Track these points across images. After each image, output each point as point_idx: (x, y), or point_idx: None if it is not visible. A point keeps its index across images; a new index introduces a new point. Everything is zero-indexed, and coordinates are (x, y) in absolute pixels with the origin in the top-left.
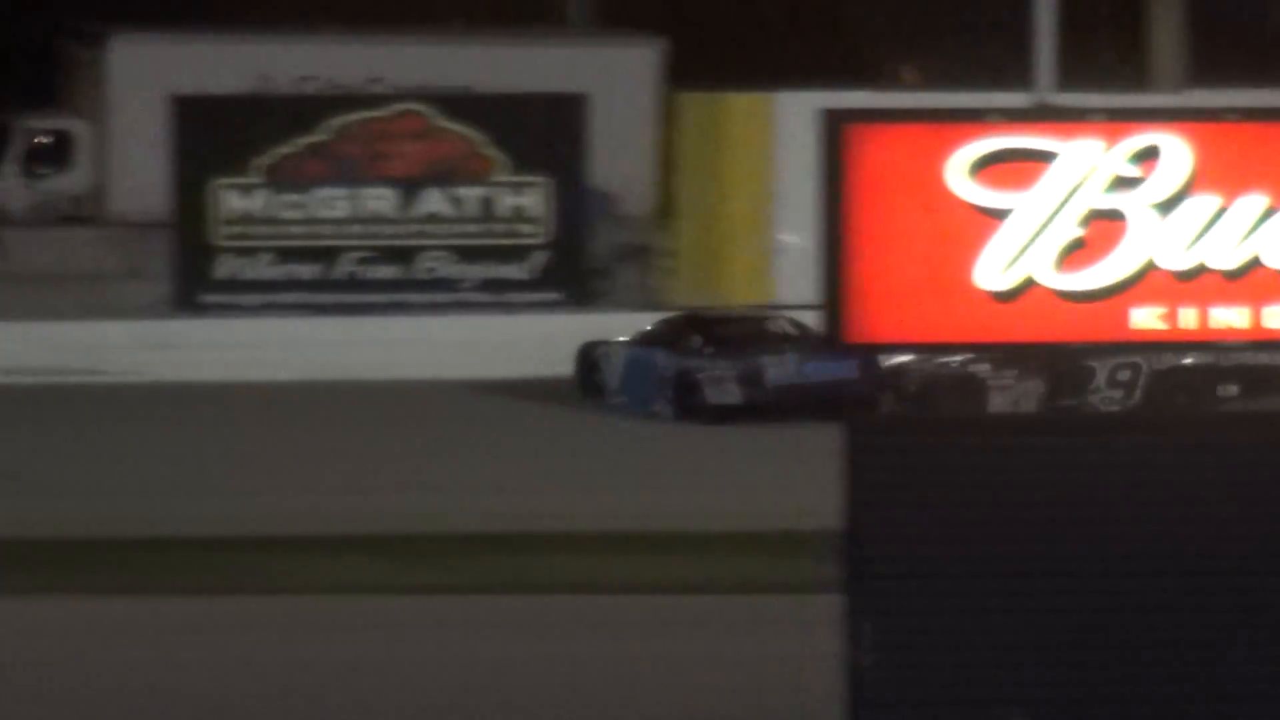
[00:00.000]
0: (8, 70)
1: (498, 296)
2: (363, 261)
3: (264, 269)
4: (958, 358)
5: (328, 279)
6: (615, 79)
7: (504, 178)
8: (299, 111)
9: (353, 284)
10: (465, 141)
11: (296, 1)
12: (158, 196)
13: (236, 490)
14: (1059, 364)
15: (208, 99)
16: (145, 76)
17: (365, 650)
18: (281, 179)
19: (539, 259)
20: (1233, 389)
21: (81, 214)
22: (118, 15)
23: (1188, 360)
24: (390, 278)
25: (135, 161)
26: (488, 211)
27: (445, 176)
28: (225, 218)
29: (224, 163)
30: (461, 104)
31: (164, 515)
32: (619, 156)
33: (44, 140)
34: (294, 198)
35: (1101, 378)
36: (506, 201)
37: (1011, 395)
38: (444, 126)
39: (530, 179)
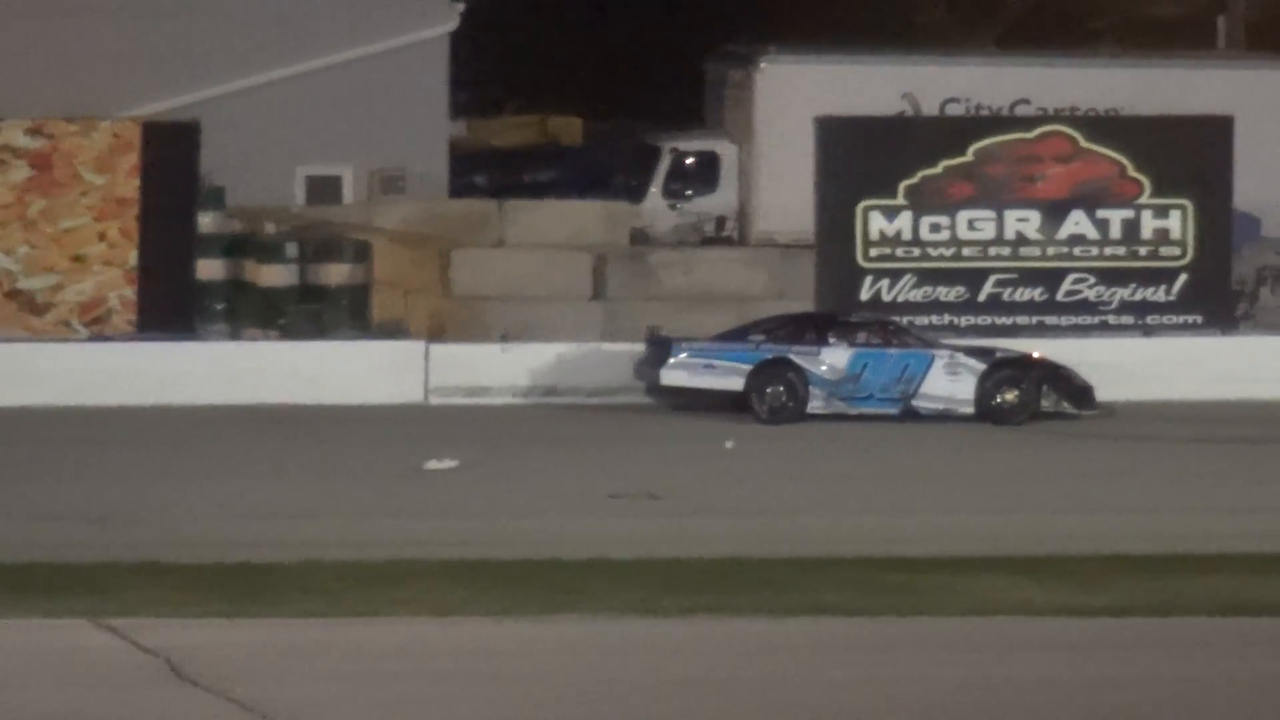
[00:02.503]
0: (656, 91)
1: (1139, 319)
2: (1006, 284)
3: (907, 291)
4: None
5: (971, 301)
6: (1263, 101)
7: (1148, 200)
8: (943, 133)
9: (996, 306)
10: (1113, 164)
11: (945, 22)
12: (803, 218)
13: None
14: None
15: (852, 120)
16: (791, 97)
17: (1026, 670)
18: (925, 201)
19: (1181, 282)
20: None
21: (725, 235)
22: (766, 36)
23: None
24: (1033, 300)
25: (780, 182)
26: (1132, 234)
27: (1091, 199)
28: (870, 239)
29: (868, 184)
30: (1108, 126)
31: (814, 533)
32: (1265, 179)
33: (689, 161)
34: (937, 219)
35: None
36: (1150, 224)
37: None
38: (1091, 149)
39: (1174, 201)
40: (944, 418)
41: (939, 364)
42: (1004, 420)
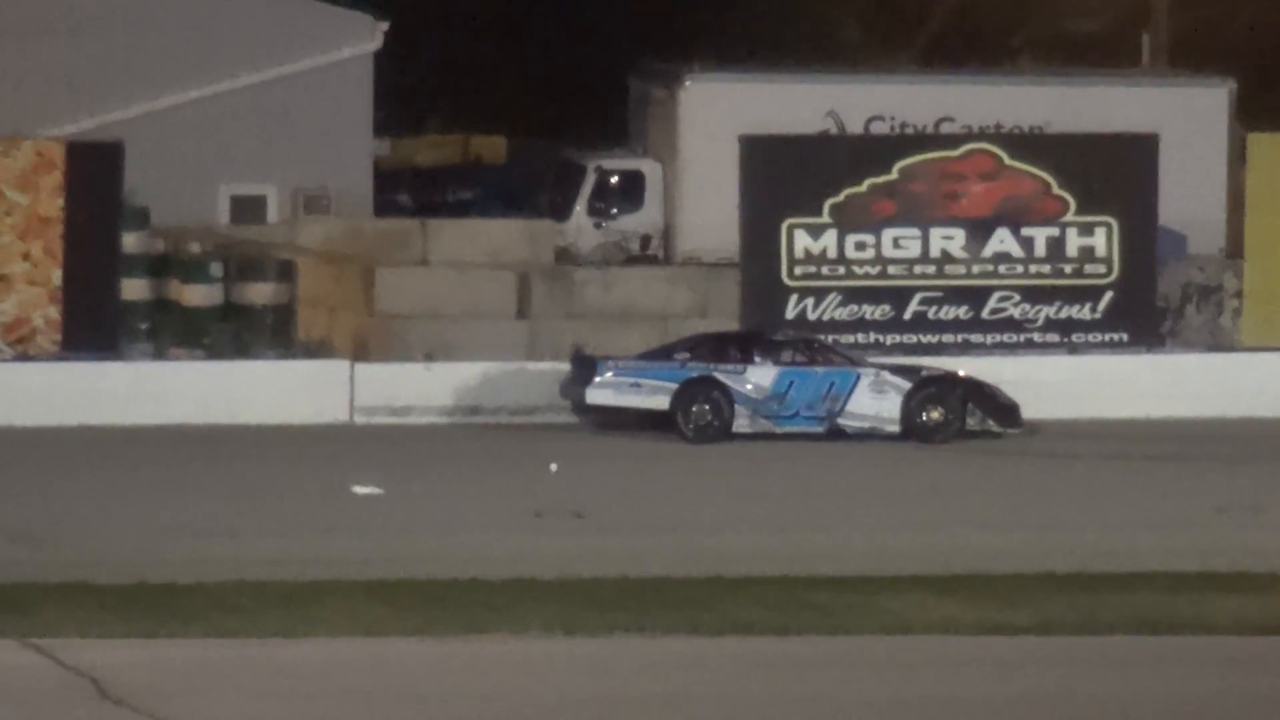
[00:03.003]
0: (580, 110)
1: (1065, 337)
2: (931, 302)
3: (833, 309)
4: None
5: (896, 319)
6: (1187, 118)
7: (1073, 218)
8: (868, 151)
9: (921, 324)
10: (1037, 181)
11: (867, 40)
12: (728, 236)
13: (809, 527)
14: None
15: (776, 139)
16: (715, 115)
17: (933, 689)
18: (850, 219)
19: (1107, 300)
20: None
21: (650, 254)
22: (690, 54)
23: None
24: (958, 318)
25: (704, 201)
26: (1057, 252)
27: (1016, 217)
28: (795, 257)
29: (793, 203)
30: (1032, 144)
31: (736, 552)
32: (1189, 196)
33: (614, 179)
34: (862, 238)
35: None
36: (1075, 242)
37: None
38: (1016, 167)
39: (1099, 219)
40: (869, 436)
41: (864, 382)
42: (929, 438)
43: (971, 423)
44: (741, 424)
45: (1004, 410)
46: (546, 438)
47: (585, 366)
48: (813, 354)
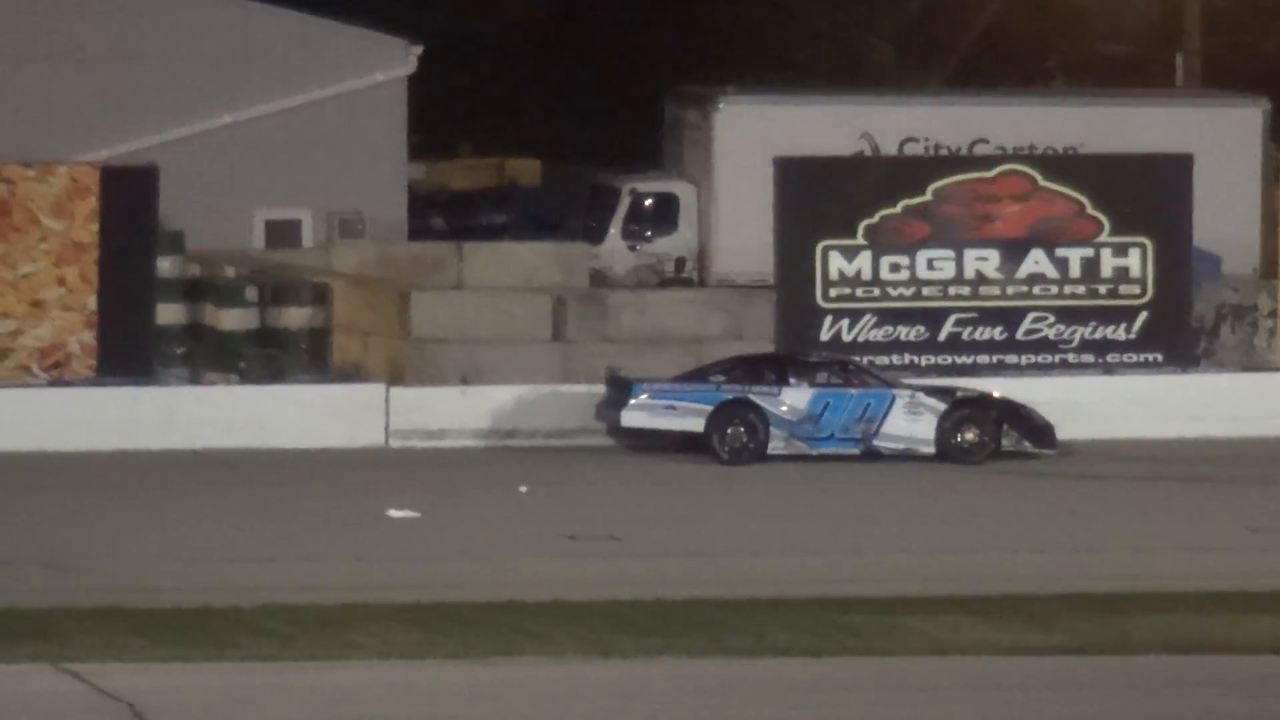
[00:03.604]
0: (614, 133)
1: (1100, 358)
2: (966, 323)
3: (868, 331)
4: None
5: (931, 340)
6: (1220, 139)
7: (1107, 238)
8: (902, 173)
9: (956, 345)
10: (1071, 202)
11: (898, 63)
12: (762, 258)
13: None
14: None
15: (810, 161)
16: (749, 138)
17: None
18: (884, 241)
19: (1141, 320)
20: None
21: (684, 276)
22: (723, 77)
23: None
24: (993, 339)
25: (739, 223)
26: (1091, 273)
27: (1051, 238)
28: (830, 279)
29: (828, 225)
30: (1066, 165)
31: (770, 574)
32: (1223, 217)
33: (648, 202)
34: (897, 259)
35: None
36: (1110, 262)
37: None
38: (1050, 188)
39: (1133, 239)
40: (905, 457)
41: (900, 404)
42: (964, 460)
43: (1007, 444)
44: (776, 446)
45: (1039, 431)
46: (581, 460)
47: (620, 389)
48: (848, 376)
